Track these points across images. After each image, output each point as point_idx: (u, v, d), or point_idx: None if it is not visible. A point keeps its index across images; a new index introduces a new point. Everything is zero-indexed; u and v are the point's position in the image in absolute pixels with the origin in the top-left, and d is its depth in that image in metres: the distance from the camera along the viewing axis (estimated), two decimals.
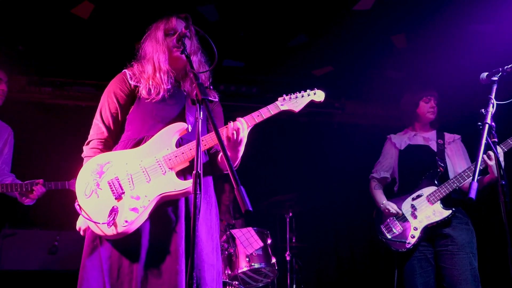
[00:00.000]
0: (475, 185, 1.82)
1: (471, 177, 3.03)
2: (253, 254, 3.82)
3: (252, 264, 3.77)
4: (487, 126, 2.05)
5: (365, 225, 5.69)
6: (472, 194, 1.81)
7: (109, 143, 2.23)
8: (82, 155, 2.21)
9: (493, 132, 2.08)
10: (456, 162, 3.30)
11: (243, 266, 3.76)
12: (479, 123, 2.08)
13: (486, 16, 3.95)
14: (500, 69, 2.28)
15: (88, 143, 2.22)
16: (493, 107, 2.11)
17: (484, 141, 2.00)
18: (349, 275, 5.58)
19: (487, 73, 2.31)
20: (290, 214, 4.39)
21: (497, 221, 3.10)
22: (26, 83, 4.99)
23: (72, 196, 2.07)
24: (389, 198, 3.41)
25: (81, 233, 2.14)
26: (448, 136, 3.41)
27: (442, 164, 3.25)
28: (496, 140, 2.08)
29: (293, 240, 4.42)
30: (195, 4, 3.98)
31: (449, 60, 4.43)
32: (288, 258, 4.20)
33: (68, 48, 4.62)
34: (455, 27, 4.12)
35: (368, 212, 5.87)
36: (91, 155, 2.15)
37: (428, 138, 3.43)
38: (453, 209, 3.09)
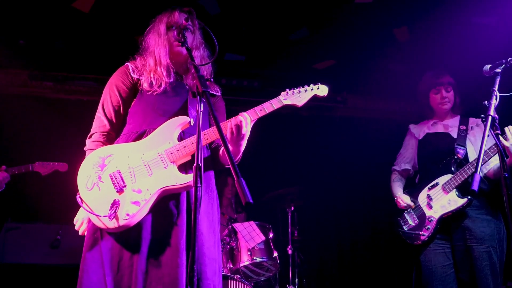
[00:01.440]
0: (477, 177, 1.81)
1: (491, 160, 2.87)
2: (255, 248, 3.82)
3: (254, 258, 3.77)
4: (490, 118, 2.04)
5: (366, 218, 5.71)
6: (475, 186, 1.80)
7: (111, 136, 2.23)
8: (84, 148, 2.21)
9: (496, 124, 2.07)
10: (478, 147, 3.06)
11: (245, 260, 3.76)
12: (482, 115, 2.07)
13: (489, 8, 3.91)
14: (504, 61, 2.27)
15: (90, 136, 2.23)
16: (496, 99, 2.10)
17: (487, 133, 1.99)
18: (350, 269, 5.59)
19: (490, 65, 2.30)
20: (292, 208, 4.38)
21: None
22: (28, 77, 4.98)
23: (75, 190, 2.07)
24: (410, 189, 3.28)
25: (79, 231, 2.13)
26: (472, 121, 3.18)
27: (460, 151, 3.04)
28: (499, 132, 2.07)
29: (295, 234, 4.41)
30: None
31: (452, 52, 4.40)
32: (290, 252, 4.20)
33: (69, 42, 4.61)
34: (458, 19, 4.09)
35: (370, 205, 5.87)
36: (93, 148, 2.15)
37: (448, 125, 3.24)
38: (469, 197, 2.88)
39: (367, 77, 5.16)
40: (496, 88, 2.14)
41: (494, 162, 2.98)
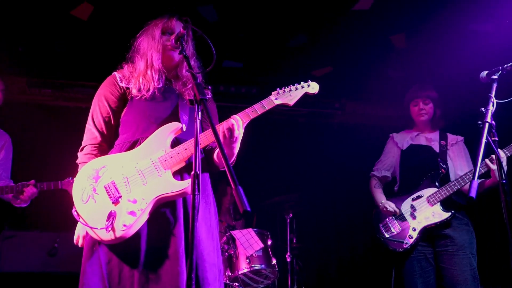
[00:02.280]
0: (475, 184, 1.82)
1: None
2: (254, 255, 3.80)
3: (253, 265, 3.76)
4: (487, 124, 2.04)
5: (365, 225, 5.68)
6: (473, 193, 1.80)
7: (103, 148, 2.21)
8: (76, 161, 2.20)
9: (493, 130, 2.07)
10: (458, 164, 3.28)
11: (243, 268, 3.75)
12: (479, 122, 2.07)
13: (485, 16, 3.94)
14: (500, 67, 2.27)
15: (82, 149, 2.21)
16: (493, 105, 2.11)
17: (484, 139, 1.99)
18: (350, 276, 5.57)
19: (487, 71, 2.30)
20: (291, 215, 4.38)
21: (497, 220, 3.11)
22: (26, 84, 4.98)
23: (71, 200, 2.06)
24: (389, 197, 3.40)
25: (79, 244, 2.12)
26: (451, 138, 3.38)
27: (444, 166, 3.23)
28: (496, 138, 2.08)
29: (294, 241, 4.40)
30: (195, 4, 3.97)
31: (449, 59, 4.42)
32: (288, 259, 4.19)
33: (68, 50, 4.62)
34: (455, 26, 4.11)
35: (368, 212, 5.87)
36: (85, 161, 2.14)
37: (430, 138, 3.41)
38: (453, 211, 3.08)
39: (365, 84, 5.17)
40: (493, 95, 2.15)
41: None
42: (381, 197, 3.42)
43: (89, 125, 2.23)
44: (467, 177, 3.03)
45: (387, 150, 3.61)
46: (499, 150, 2.59)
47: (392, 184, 3.58)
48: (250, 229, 3.96)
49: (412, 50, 4.56)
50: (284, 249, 4.29)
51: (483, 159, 2.89)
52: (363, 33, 4.37)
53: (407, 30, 4.36)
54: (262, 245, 3.85)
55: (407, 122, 3.60)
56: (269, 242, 3.98)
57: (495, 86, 2.21)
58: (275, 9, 4.05)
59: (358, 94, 5.58)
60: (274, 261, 3.88)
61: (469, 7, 3.83)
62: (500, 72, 2.26)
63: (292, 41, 4.56)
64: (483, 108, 2.09)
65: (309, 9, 4.06)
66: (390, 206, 3.28)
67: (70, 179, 3.27)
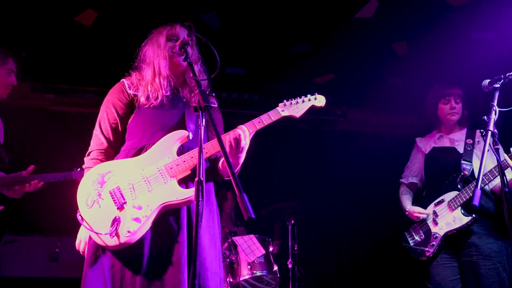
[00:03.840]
0: (478, 192, 1.81)
1: (497, 177, 2.78)
2: (255, 261, 3.80)
3: (254, 271, 3.75)
4: (489, 133, 2.04)
5: (367, 232, 5.68)
6: (476, 202, 1.79)
7: (109, 154, 2.22)
8: (83, 166, 2.21)
9: (496, 139, 2.07)
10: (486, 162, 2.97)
11: (245, 274, 3.74)
12: (482, 130, 2.07)
13: (488, 24, 3.95)
14: (502, 76, 2.27)
15: (88, 154, 2.22)
16: (495, 114, 2.10)
17: (487, 148, 1.99)
18: (351, 283, 5.55)
19: (489, 80, 2.30)
20: (292, 222, 4.37)
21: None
22: (29, 89, 5.00)
23: (74, 202, 2.07)
24: (415, 203, 3.26)
25: (80, 249, 2.13)
26: (479, 134, 3.10)
27: (467, 167, 3.02)
28: (498, 147, 2.08)
29: (295, 248, 4.39)
30: (198, 11, 3.99)
31: (451, 67, 4.43)
32: (290, 266, 4.18)
33: (71, 55, 4.64)
34: (456, 34, 4.13)
35: (370, 219, 5.84)
36: (91, 166, 2.14)
37: (454, 139, 3.20)
38: (474, 216, 2.86)
39: (367, 91, 5.19)
40: (495, 103, 2.15)
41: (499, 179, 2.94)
42: (407, 204, 3.26)
43: (96, 131, 2.24)
44: (491, 174, 2.80)
45: (412, 156, 3.43)
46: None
47: (422, 190, 3.41)
48: (251, 235, 3.96)
49: (414, 58, 4.58)
50: (286, 256, 4.28)
51: (491, 171, 2.82)
52: (366, 40, 4.39)
53: (409, 38, 4.37)
54: (263, 252, 3.84)
55: (431, 123, 3.37)
56: (271, 249, 3.97)
57: (497, 94, 2.21)
58: (277, 16, 4.07)
59: (360, 101, 5.59)
60: (275, 268, 3.87)
61: (471, 16, 3.85)
62: (502, 80, 2.25)
63: (295, 48, 4.58)
64: (485, 117, 2.09)
65: (311, 16, 4.08)
66: (415, 210, 3.11)
67: (79, 170, 3.23)
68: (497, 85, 2.25)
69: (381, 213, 5.25)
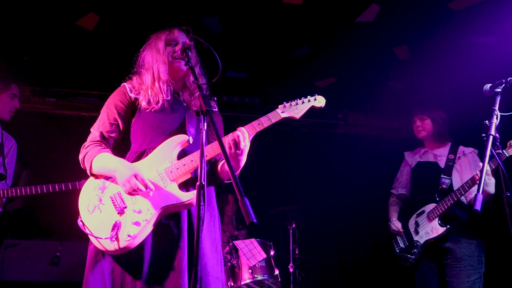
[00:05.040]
0: (480, 197, 1.81)
1: (469, 191, 3.10)
2: (256, 265, 3.79)
3: (255, 276, 3.74)
4: (491, 137, 2.04)
5: (368, 236, 5.67)
6: (477, 206, 1.79)
7: (103, 146, 2.16)
8: (80, 156, 2.14)
9: (497, 143, 2.07)
10: (464, 177, 3.30)
11: (246, 278, 3.73)
12: (483, 135, 2.07)
13: (488, 28, 3.96)
14: (504, 80, 2.28)
15: (83, 146, 2.17)
16: (497, 118, 2.11)
17: (488, 152, 1.99)
18: (352, 287, 5.53)
19: (490, 84, 2.31)
20: (293, 225, 4.37)
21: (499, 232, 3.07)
22: (31, 93, 5.01)
23: (75, 206, 2.07)
24: (402, 213, 3.57)
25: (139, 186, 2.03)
26: (460, 150, 3.42)
27: (445, 181, 3.31)
28: (500, 151, 2.08)
29: (296, 252, 4.39)
30: (199, 16, 4.00)
31: (451, 72, 4.44)
32: (291, 270, 4.17)
33: (72, 59, 4.65)
34: (458, 39, 4.13)
35: (371, 223, 5.84)
36: (91, 149, 2.10)
37: (437, 154, 3.48)
38: (448, 226, 3.17)
39: (368, 95, 5.19)
40: (496, 108, 2.16)
41: (474, 192, 3.08)
42: (392, 215, 3.59)
43: (93, 129, 2.22)
44: (459, 191, 3.11)
45: (401, 168, 3.75)
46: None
47: (408, 200, 3.70)
48: (253, 239, 3.95)
49: (415, 62, 4.58)
50: (287, 260, 4.27)
51: (462, 186, 3.09)
52: (367, 44, 4.40)
53: (410, 42, 4.38)
54: (264, 256, 3.84)
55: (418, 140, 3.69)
56: (272, 253, 3.97)
57: (498, 99, 2.22)
58: (279, 20, 4.08)
59: (361, 105, 5.60)
60: (276, 272, 3.87)
61: (472, 20, 3.85)
62: (504, 85, 2.26)
63: (296, 52, 4.59)
64: (487, 121, 2.10)
65: (313, 20, 4.09)
66: (395, 225, 3.48)
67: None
68: (498, 90, 2.26)
69: (382, 217, 5.23)
